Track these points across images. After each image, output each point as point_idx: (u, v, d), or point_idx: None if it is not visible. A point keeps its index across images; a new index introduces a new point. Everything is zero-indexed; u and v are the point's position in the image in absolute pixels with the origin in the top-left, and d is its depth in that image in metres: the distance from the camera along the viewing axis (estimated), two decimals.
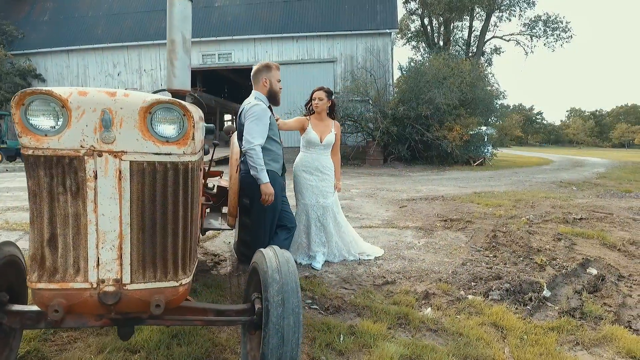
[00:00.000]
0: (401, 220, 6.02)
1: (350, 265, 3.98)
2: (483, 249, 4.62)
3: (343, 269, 3.89)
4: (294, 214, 3.96)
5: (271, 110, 3.32)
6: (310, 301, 3.14)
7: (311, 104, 3.90)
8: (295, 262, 3.96)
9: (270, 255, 2.07)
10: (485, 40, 25.30)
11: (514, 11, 24.68)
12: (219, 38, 19.17)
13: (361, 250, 4.25)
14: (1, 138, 17.02)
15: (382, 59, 17.69)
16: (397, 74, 18.16)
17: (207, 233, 4.65)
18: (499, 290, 3.23)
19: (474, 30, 25.87)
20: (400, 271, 3.84)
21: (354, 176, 12.72)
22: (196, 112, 1.55)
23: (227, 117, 30.78)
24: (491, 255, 4.37)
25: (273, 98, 3.21)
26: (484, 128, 18.39)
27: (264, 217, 3.11)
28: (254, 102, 3.08)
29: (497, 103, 20.76)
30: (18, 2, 23.00)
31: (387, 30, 17.60)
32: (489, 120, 22.65)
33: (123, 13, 21.19)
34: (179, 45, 1.93)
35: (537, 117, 69.86)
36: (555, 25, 24.33)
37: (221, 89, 28.61)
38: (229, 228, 3.44)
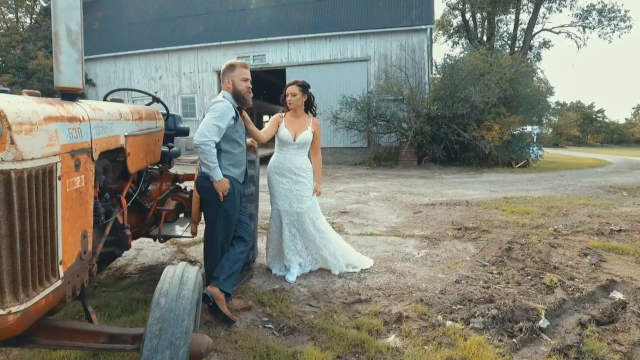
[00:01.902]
0: (409, 228, 5.56)
1: (328, 278, 3.64)
2: (490, 263, 4.10)
3: (319, 282, 3.56)
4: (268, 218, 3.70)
5: (240, 112, 3.06)
6: (266, 319, 2.86)
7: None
8: (270, 271, 3.74)
9: (169, 275, 1.82)
10: (533, 33, 23.51)
11: (564, 1, 22.78)
12: (253, 40, 19.31)
13: (347, 262, 3.90)
14: None
15: (418, 56, 16.95)
16: (433, 71, 17.35)
17: (196, 238, 4.51)
18: (483, 316, 2.77)
19: (521, 23, 24.20)
20: (382, 287, 3.45)
21: (382, 178, 12.23)
22: (21, 113, 1.31)
23: (265, 118, 31.09)
24: (496, 271, 3.85)
25: (239, 98, 2.95)
26: (529, 127, 17.13)
27: (218, 226, 2.87)
28: (219, 99, 2.86)
29: (545, 100, 19.28)
30: None
31: (423, 27, 16.82)
32: (542, 119, 21.17)
33: (164, 19, 21.97)
34: (62, 37, 1.73)
35: (598, 115, 64.42)
36: (612, 14, 22.14)
37: (259, 90, 28.96)
38: (191, 236, 3.24)
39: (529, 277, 3.65)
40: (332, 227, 5.48)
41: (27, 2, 24.83)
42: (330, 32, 18.11)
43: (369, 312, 2.94)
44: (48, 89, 21.47)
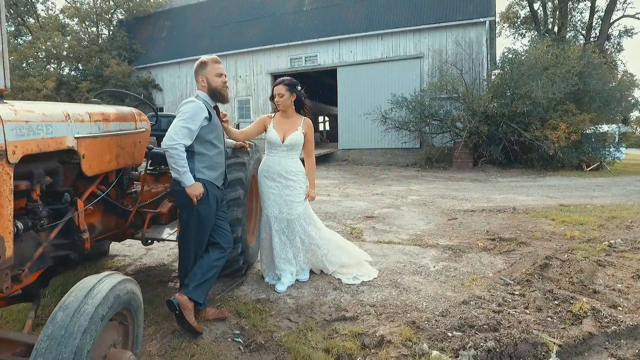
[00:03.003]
0: (434, 237, 5.09)
1: (321, 290, 3.38)
2: (515, 282, 3.57)
3: (310, 293, 3.31)
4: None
5: (217, 110, 2.94)
6: (238, 332, 2.69)
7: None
8: (264, 279, 3.57)
9: (79, 287, 1.69)
10: (612, 21, 20.93)
11: None
12: (305, 41, 19.38)
13: (344, 265, 3.65)
14: None
15: (475, 51, 15.88)
16: (492, 66, 16.15)
17: None
18: (476, 349, 2.35)
19: (597, 10, 21.62)
20: (376, 304, 3.12)
21: (429, 181, 11.57)
22: None
23: (321, 119, 31.18)
24: (518, 292, 3.33)
25: (215, 95, 2.82)
26: (604, 126, 15.32)
27: (191, 231, 2.74)
28: (190, 99, 2.74)
29: (630, 95, 17.13)
30: (144, 23, 26.46)
31: (481, 19, 15.70)
32: (627, 116, 18.96)
33: (223, 25, 22.86)
34: None
35: None
36: None
37: (313, 91, 29.13)
38: (175, 240, 3.16)
39: (556, 302, 3.09)
40: (351, 233, 5.22)
41: (106, 16, 27.14)
42: (382, 30, 17.62)
43: (349, 332, 2.64)
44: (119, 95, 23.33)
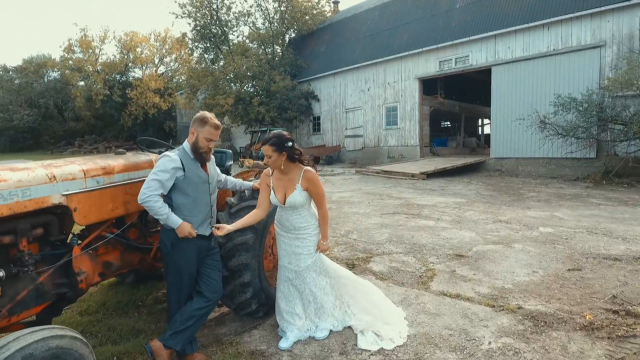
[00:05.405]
0: (526, 295, 4.02)
1: (327, 350, 3.04)
2: None
3: (312, 354, 3.02)
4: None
5: (203, 164, 2.92)
6: None
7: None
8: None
9: None
10: None
11: None
12: (455, 42, 17.93)
13: (371, 328, 3.22)
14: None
15: None
16: None
17: None
18: None
19: None
20: None
21: (592, 204, 9.19)
22: None
23: (479, 122, 28.39)
24: None
25: (196, 153, 2.83)
26: None
27: (169, 279, 2.85)
28: (165, 153, 2.81)
29: None
30: (307, 39, 28.89)
31: None
32: None
33: (374, 33, 23.09)
34: None
35: None
36: None
37: (473, 92, 26.73)
38: None
39: None
40: (420, 277, 4.58)
41: (280, 38, 30.64)
42: (550, 18, 14.92)
43: None
44: (281, 105, 25.97)
